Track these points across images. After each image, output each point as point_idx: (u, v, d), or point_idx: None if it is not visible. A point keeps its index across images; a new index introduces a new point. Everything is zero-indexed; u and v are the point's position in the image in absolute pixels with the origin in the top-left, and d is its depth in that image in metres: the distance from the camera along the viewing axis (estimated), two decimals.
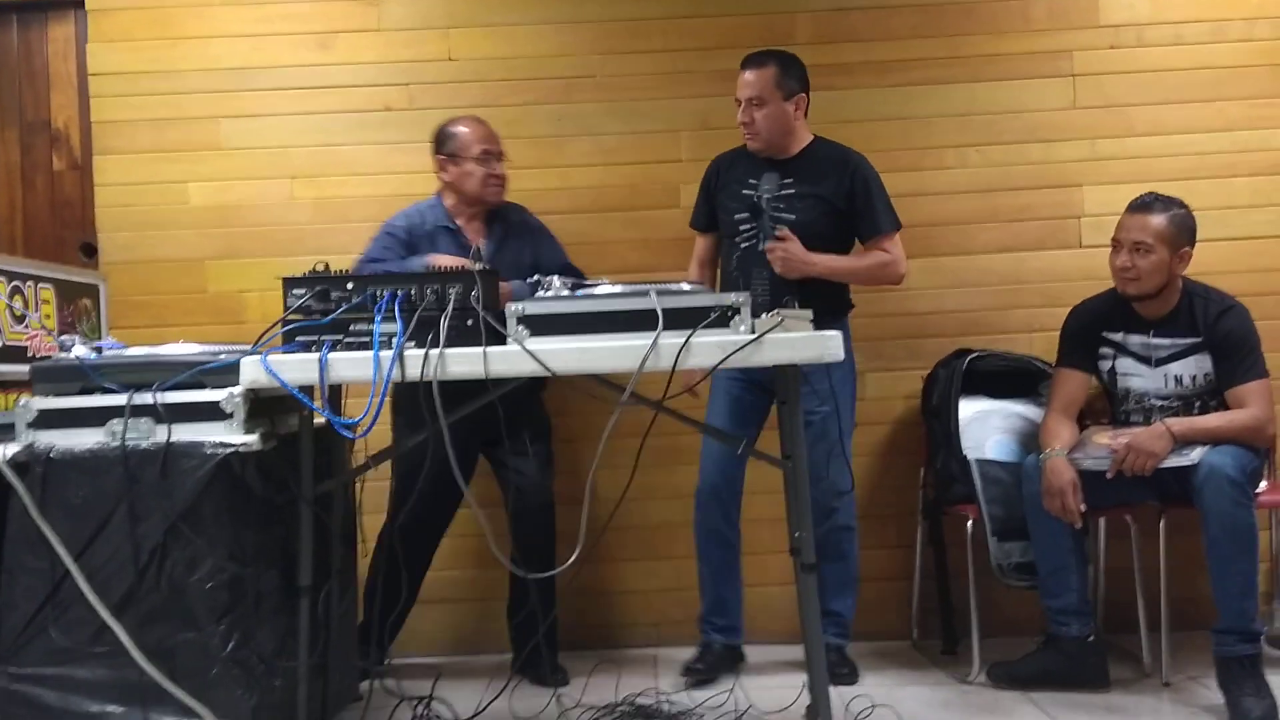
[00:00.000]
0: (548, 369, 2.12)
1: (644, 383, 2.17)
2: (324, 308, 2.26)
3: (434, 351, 2.12)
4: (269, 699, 2.26)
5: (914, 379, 3.53)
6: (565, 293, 2.26)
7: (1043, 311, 3.52)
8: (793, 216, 3.02)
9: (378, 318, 2.20)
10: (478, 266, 2.30)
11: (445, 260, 2.82)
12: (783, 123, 3.08)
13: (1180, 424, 2.89)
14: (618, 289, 2.28)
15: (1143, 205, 2.98)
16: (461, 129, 3.20)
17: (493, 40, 3.60)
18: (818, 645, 2.33)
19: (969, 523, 3.18)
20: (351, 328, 2.23)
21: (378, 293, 2.23)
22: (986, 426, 3.29)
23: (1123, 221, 3.00)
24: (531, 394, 3.22)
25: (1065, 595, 2.95)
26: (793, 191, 3.06)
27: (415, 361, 2.12)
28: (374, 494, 2.93)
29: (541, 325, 2.18)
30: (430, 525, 3.19)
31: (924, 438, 3.45)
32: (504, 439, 2.95)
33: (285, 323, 2.26)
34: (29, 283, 2.90)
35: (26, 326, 2.87)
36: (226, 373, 2.26)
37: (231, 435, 2.24)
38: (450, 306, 2.20)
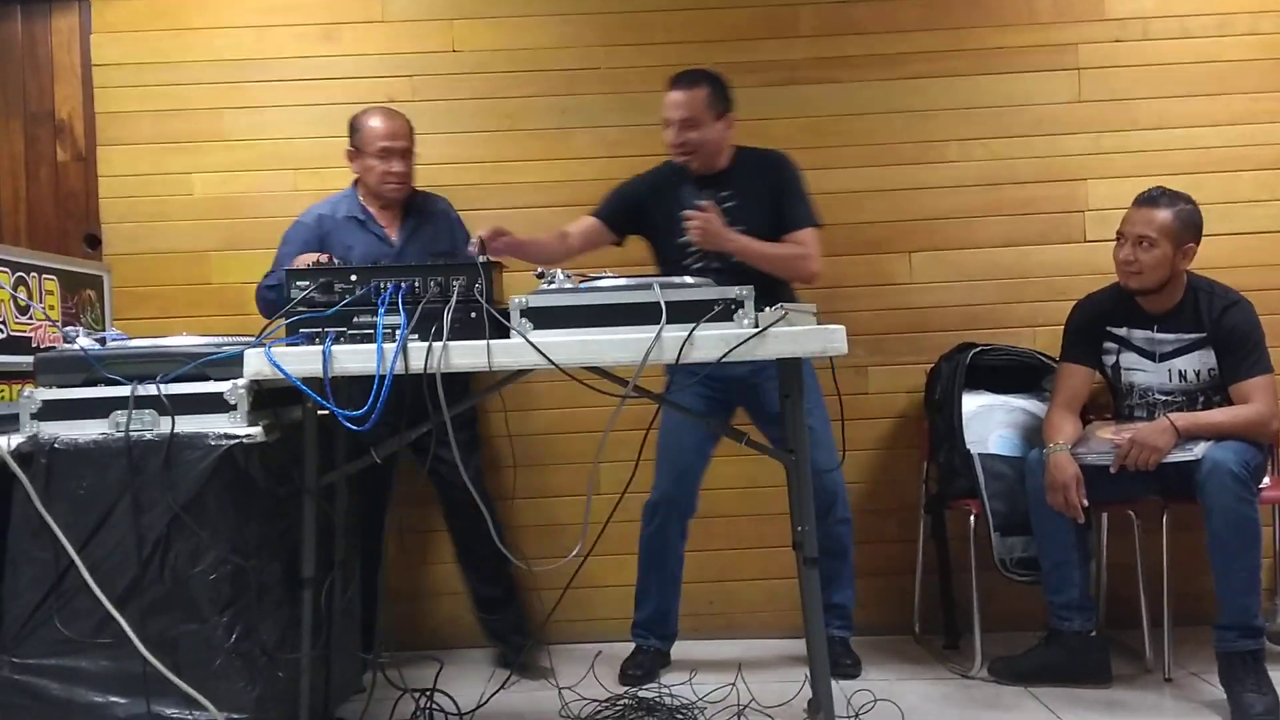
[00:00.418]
0: (551, 361, 2.12)
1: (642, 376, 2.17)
2: (327, 300, 2.27)
3: (437, 344, 2.12)
4: (272, 690, 2.26)
5: (917, 373, 3.52)
6: (569, 285, 2.25)
7: (1047, 306, 3.52)
8: (741, 227, 2.96)
9: (381, 310, 2.20)
10: (480, 259, 2.30)
11: (303, 259, 2.78)
12: (718, 142, 3.05)
13: (1184, 419, 2.89)
14: (621, 282, 2.27)
15: (1149, 200, 2.97)
16: (367, 122, 3.19)
17: (497, 32, 3.60)
18: (820, 639, 2.32)
19: (971, 517, 3.17)
20: (355, 320, 2.23)
21: (381, 285, 2.24)
22: (990, 421, 3.29)
23: (1128, 215, 3.00)
24: (455, 379, 3.10)
25: (1068, 590, 2.95)
26: (733, 204, 3.01)
27: (419, 354, 2.12)
28: None
29: (544, 318, 2.17)
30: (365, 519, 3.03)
31: (927, 432, 3.45)
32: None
33: (289, 314, 2.27)
34: (33, 274, 2.90)
35: (30, 318, 2.87)
36: (230, 364, 2.27)
37: (235, 427, 2.24)
38: (454, 299, 2.20)
